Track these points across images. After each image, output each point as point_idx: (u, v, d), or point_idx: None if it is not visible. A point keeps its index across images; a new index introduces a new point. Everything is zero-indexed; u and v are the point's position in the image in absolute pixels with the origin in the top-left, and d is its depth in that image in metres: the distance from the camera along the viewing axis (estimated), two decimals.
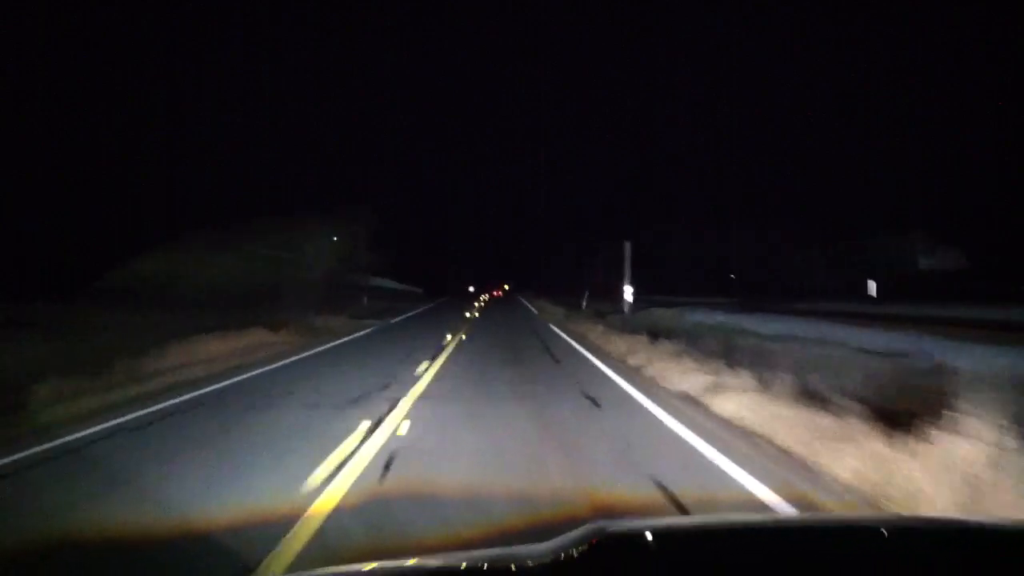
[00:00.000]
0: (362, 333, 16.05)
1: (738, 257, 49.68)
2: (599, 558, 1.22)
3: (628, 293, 18.84)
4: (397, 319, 22.52)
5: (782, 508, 3.46)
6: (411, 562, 1.42)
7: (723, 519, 2.21)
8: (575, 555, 1.20)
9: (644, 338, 11.56)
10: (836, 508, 3.54)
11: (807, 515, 3.16)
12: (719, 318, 18.78)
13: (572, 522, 1.66)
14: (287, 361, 10.23)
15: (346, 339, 14.40)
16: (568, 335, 15.10)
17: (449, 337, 14.57)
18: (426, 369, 9.25)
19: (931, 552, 1.26)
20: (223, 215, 27.37)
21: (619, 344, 11.63)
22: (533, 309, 31.64)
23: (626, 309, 18.91)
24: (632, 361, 9.82)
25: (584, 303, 29.45)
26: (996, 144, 36.32)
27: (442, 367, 9.51)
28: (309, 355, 11.17)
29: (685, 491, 3.66)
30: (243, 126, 35.80)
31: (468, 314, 26.35)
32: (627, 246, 19.18)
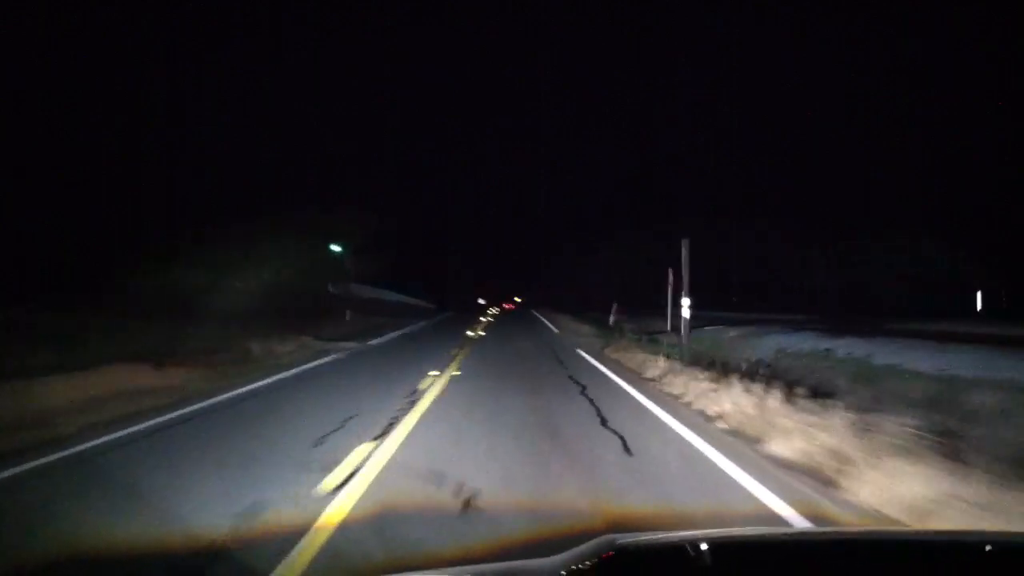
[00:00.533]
0: (309, 366, 11.09)
1: (738, 257, 47.94)
2: (610, 571, 1.18)
3: (686, 308, 13.73)
4: (378, 340, 17.55)
5: None
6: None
7: (734, 532, 1.97)
8: (585, 568, 1.16)
9: (759, 389, 6.47)
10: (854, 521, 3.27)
11: (821, 528, 3.05)
12: (812, 343, 13.66)
13: (584, 536, 1.45)
14: (72, 450, 5.27)
15: (274, 379, 9.46)
16: (617, 374, 10.03)
17: (435, 374, 9.63)
18: (356, 469, 4.34)
19: (947, 566, 1.22)
20: (221, 216, 24.31)
21: (720, 398, 6.56)
22: (552, 327, 26.48)
23: (684, 330, 13.80)
24: (783, 450, 4.78)
25: (612, 318, 24.48)
26: (997, 144, 32.96)
27: (392, 464, 4.57)
28: (155, 424, 6.21)
29: None
30: (241, 126, 31.67)
31: (472, 332, 21.37)
32: (685, 245, 14.11)
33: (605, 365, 10.87)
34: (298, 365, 11.03)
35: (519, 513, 3.47)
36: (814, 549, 1.39)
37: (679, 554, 1.31)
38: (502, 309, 67.93)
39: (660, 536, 1.52)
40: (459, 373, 9.89)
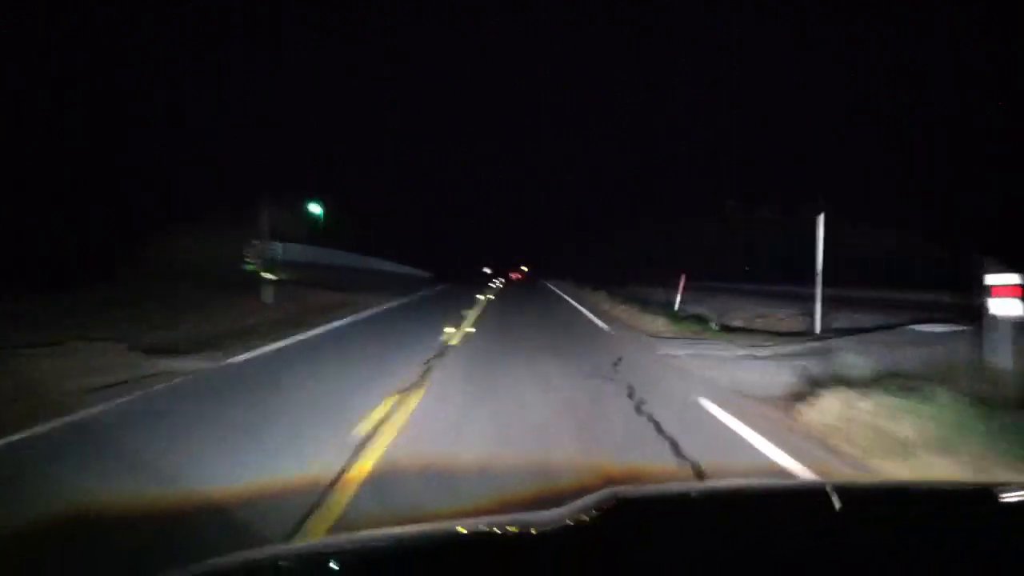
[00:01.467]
0: None
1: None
2: (612, 522, 1.16)
3: None
4: (258, 352, 8.94)
5: None
6: (425, 527, 1.29)
7: (738, 483, 1.97)
8: (588, 519, 1.13)
9: None
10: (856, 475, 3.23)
11: (823, 479, 3.03)
12: None
13: (585, 491, 1.35)
14: None
15: None
16: None
17: None
18: None
19: (939, 514, 1.19)
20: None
21: None
22: (593, 316, 17.24)
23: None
24: None
25: (678, 300, 15.96)
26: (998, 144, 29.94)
27: None
28: None
29: None
30: (240, 125, 29.73)
31: (457, 329, 12.86)
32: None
33: None
34: None
35: None
36: (820, 500, 1.32)
37: (682, 505, 1.30)
38: (508, 280, 59.53)
39: (663, 487, 1.59)
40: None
